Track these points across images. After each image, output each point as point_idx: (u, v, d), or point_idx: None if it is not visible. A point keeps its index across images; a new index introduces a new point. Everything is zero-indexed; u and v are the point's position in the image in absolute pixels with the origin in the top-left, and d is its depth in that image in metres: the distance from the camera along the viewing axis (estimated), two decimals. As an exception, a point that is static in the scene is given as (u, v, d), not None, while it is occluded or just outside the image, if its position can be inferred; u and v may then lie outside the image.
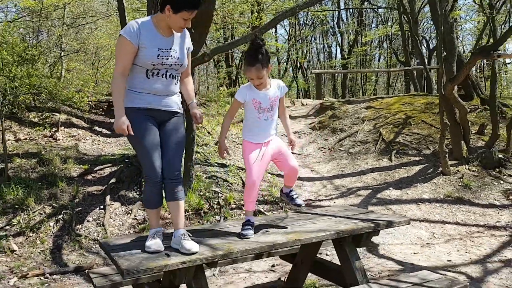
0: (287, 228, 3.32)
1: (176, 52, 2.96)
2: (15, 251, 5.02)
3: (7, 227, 5.37)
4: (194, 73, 6.25)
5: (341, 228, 3.27)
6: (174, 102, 3.06)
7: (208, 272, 4.69)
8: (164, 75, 2.95)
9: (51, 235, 5.39)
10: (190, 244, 2.78)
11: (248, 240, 3.03)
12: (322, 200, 6.95)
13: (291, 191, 3.47)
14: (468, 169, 7.55)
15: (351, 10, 22.49)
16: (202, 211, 6.09)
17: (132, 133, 2.84)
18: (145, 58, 2.86)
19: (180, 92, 3.19)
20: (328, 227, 3.31)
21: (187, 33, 3.12)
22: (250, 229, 3.12)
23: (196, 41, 6.11)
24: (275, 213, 6.24)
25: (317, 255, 3.97)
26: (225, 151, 3.28)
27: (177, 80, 3.07)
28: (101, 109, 9.95)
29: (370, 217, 3.58)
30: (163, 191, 3.02)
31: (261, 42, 3.07)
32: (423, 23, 18.31)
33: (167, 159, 2.98)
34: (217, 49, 6.91)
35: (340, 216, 3.64)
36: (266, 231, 3.25)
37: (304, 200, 6.84)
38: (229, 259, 3.29)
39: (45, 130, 8.14)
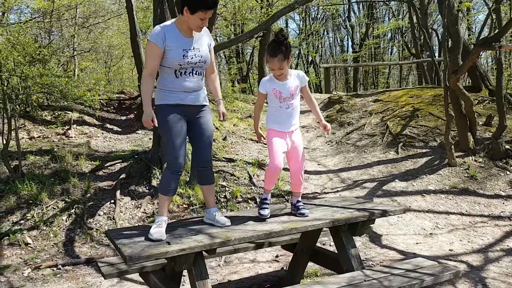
0: (284, 217, 3.45)
1: (199, 51, 3.19)
2: (29, 244, 5.24)
3: (22, 221, 5.60)
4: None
5: (336, 217, 3.39)
6: (202, 97, 3.33)
7: (213, 263, 4.86)
8: (191, 73, 3.19)
9: (63, 229, 5.60)
10: (223, 219, 3.22)
11: (245, 229, 3.16)
12: (328, 192, 7.05)
13: (298, 201, 3.56)
14: (475, 160, 7.57)
15: (361, 3, 22.40)
16: (209, 204, 6.24)
17: (157, 125, 3.14)
18: (172, 59, 3.10)
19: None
20: (324, 216, 3.43)
21: (207, 31, 3.35)
22: (267, 208, 3.40)
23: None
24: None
25: (320, 246, 4.11)
26: (261, 137, 3.58)
27: (203, 76, 3.32)
28: (112, 107, 10.18)
29: (366, 207, 3.69)
30: (179, 181, 3.31)
31: (285, 36, 3.31)
32: (434, 16, 18.17)
33: (199, 150, 3.32)
34: (221, 46, 7.05)
35: (336, 206, 3.75)
36: (265, 221, 3.38)
37: (309, 193, 6.97)
38: (227, 246, 3.43)
39: (58, 128, 8.39)
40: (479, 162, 7.52)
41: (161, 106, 3.20)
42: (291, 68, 3.49)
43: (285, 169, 7.69)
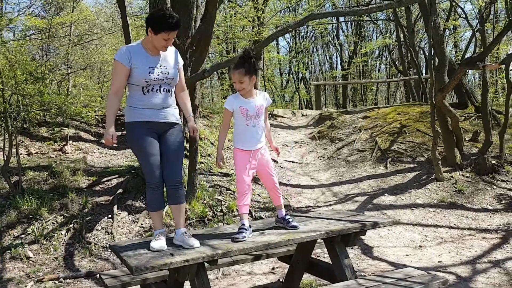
0: (281, 229, 3.63)
1: (166, 68, 3.33)
2: (31, 257, 5.34)
3: (23, 235, 5.70)
4: (196, 86, 6.60)
5: (330, 228, 3.57)
6: (171, 114, 3.41)
7: (211, 275, 4.99)
8: (158, 90, 3.31)
9: (63, 243, 5.71)
10: (192, 241, 3.17)
11: (245, 240, 3.33)
12: (320, 206, 7.24)
13: (286, 215, 3.69)
14: (462, 175, 7.84)
15: (350, 22, 22.90)
16: (206, 219, 6.40)
17: (116, 144, 3.32)
18: (138, 76, 3.23)
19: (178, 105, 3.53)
20: (319, 228, 3.61)
21: (176, 50, 3.50)
22: (242, 232, 3.35)
23: (197, 59, 6.49)
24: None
25: (316, 257, 4.28)
26: (221, 161, 3.59)
27: (171, 93, 3.42)
28: (107, 123, 10.31)
29: (358, 219, 3.89)
30: (163, 195, 3.37)
31: (252, 54, 3.44)
32: (421, 33, 18.65)
33: (167, 167, 3.35)
34: (216, 66, 7.29)
35: (330, 218, 3.95)
36: (263, 233, 3.56)
37: (303, 207, 7.16)
38: (228, 257, 3.59)
39: (55, 144, 8.52)
40: (466, 176, 7.79)
41: (130, 124, 3.30)
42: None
43: (280, 183, 7.93)
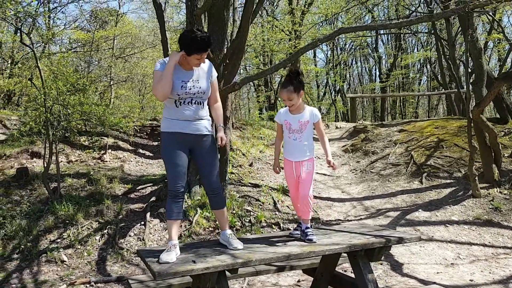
0: (304, 241, 3.65)
1: (198, 82, 3.46)
2: (65, 261, 5.58)
3: (59, 240, 5.96)
4: (228, 98, 6.74)
5: (353, 242, 3.56)
6: (203, 126, 3.53)
7: (237, 285, 5.05)
8: (190, 103, 3.45)
9: (97, 248, 5.93)
10: (236, 242, 3.39)
11: (266, 250, 3.38)
12: (351, 220, 7.17)
13: (307, 228, 3.72)
14: (500, 192, 7.57)
15: (389, 34, 22.65)
16: (234, 229, 6.47)
17: None
18: (172, 89, 3.36)
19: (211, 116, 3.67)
20: (341, 241, 3.61)
21: (210, 64, 3.64)
22: (312, 234, 3.63)
23: (230, 72, 6.64)
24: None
25: (343, 271, 4.25)
26: (277, 167, 3.86)
27: (203, 105, 3.54)
28: (145, 133, 10.65)
29: (383, 234, 3.85)
30: (182, 206, 3.49)
31: (298, 71, 3.64)
32: (463, 46, 18.20)
33: (204, 177, 3.55)
34: (246, 79, 7.42)
35: (354, 232, 3.93)
36: (285, 244, 3.59)
37: (333, 220, 7.12)
38: (248, 266, 3.63)
39: (94, 152, 8.87)
40: (504, 194, 7.51)
41: (163, 134, 3.47)
42: (308, 105, 3.77)
43: (315, 197, 7.93)
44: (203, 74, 3.51)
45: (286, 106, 3.77)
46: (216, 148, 3.65)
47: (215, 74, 3.65)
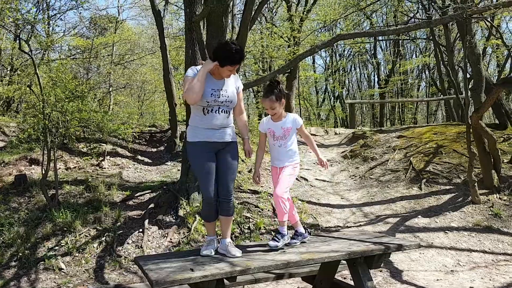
0: (303, 248, 3.63)
1: (226, 92, 3.60)
2: (63, 269, 5.54)
3: (56, 247, 5.92)
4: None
5: (352, 249, 3.54)
6: (228, 134, 3.68)
7: (236, 293, 5.01)
8: (217, 111, 3.57)
9: (94, 256, 5.89)
10: (234, 250, 3.45)
11: (265, 258, 3.36)
12: (350, 226, 7.14)
13: (280, 232, 3.69)
14: (499, 198, 7.55)
15: (388, 40, 22.71)
16: (233, 235, 6.44)
17: None
18: (202, 96, 3.48)
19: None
20: (341, 248, 3.59)
21: (237, 76, 3.81)
22: (276, 240, 3.63)
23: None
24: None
25: (342, 279, 4.22)
26: (257, 177, 3.90)
27: (229, 114, 3.68)
28: (143, 140, 10.63)
29: (382, 241, 3.83)
30: (217, 209, 3.64)
31: (278, 81, 3.79)
32: (461, 52, 18.24)
33: (222, 182, 3.64)
34: (246, 85, 7.42)
35: (354, 239, 3.91)
36: (283, 251, 3.57)
37: (332, 227, 7.09)
38: (247, 274, 3.60)
39: (93, 159, 8.85)
40: (504, 200, 7.50)
41: (191, 143, 3.59)
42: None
43: (308, 201, 7.90)
44: (231, 84, 3.67)
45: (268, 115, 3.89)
46: (238, 155, 3.79)
47: (241, 85, 3.81)
